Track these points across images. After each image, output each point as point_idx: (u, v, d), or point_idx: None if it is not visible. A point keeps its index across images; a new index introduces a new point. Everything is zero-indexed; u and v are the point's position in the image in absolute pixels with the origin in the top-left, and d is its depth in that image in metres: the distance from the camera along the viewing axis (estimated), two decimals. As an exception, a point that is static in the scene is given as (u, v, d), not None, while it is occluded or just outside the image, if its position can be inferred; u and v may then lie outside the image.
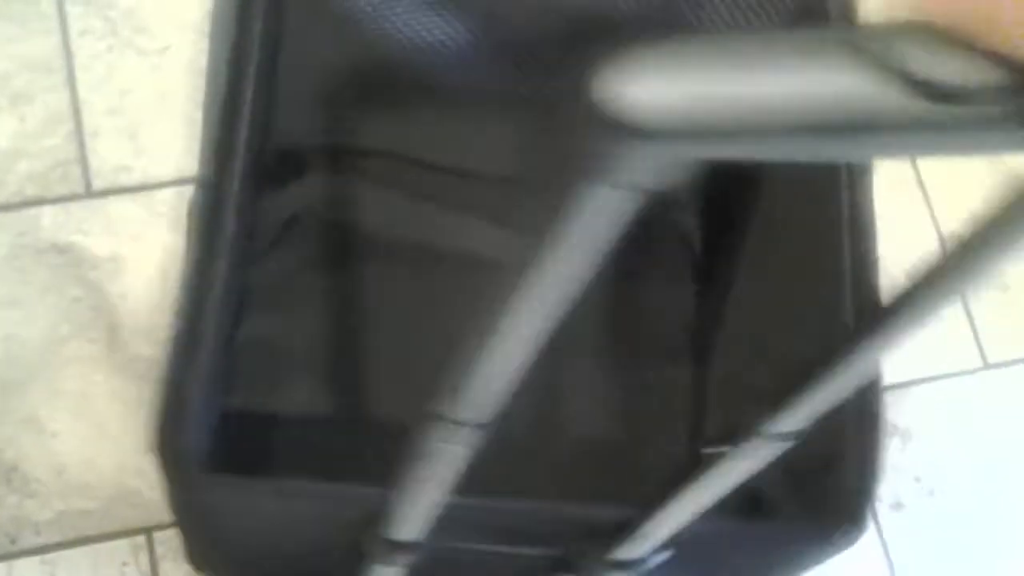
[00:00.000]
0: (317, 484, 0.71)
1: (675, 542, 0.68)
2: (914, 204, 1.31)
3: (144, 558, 1.06)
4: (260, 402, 0.97)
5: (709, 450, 0.58)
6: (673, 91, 0.28)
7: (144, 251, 1.17)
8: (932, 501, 1.20)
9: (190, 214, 0.75)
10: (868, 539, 1.17)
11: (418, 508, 0.61)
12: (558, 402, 1.01)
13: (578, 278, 0.36)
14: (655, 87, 0.28)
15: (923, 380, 1.24)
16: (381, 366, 1.03)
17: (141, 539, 1.07)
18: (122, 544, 1.06)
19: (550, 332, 0.40)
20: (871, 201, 0.81)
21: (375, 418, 1.01)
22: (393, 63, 0.95)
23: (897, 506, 1.19)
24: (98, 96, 1.24)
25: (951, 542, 1.19)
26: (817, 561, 0.78)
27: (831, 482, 0.75)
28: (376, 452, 0.94)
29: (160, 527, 1.07)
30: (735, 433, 0.56)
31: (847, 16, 0.84)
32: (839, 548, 0.75)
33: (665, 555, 0.71)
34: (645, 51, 0.28)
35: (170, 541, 1.07)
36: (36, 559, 1.06)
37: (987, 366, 1.27)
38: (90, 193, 1.19)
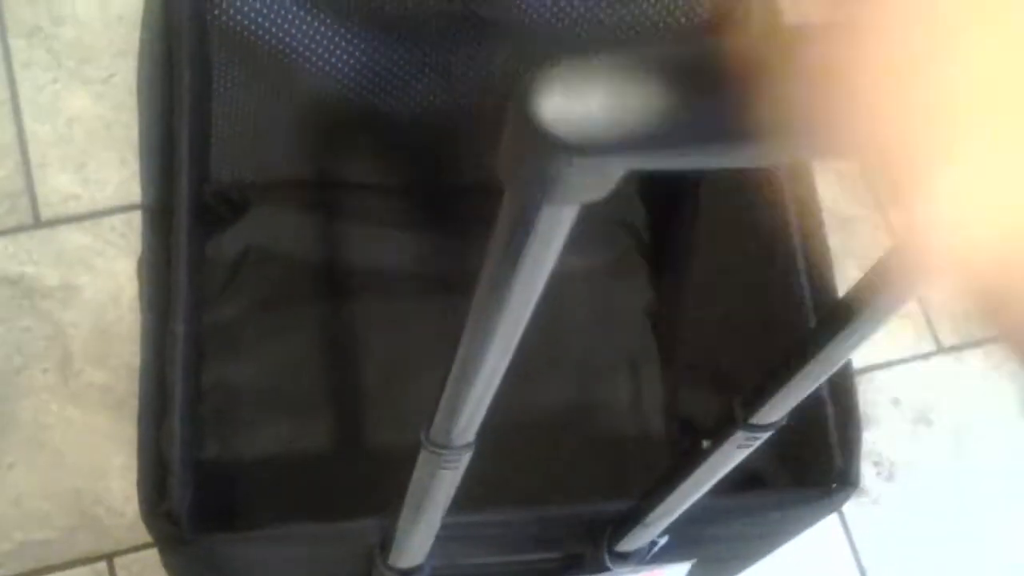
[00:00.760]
0: (312, 526, 0.71)
1: (675, 525, 0.69)
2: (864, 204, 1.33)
3: (106, 585, 1.07)
4: (232, 448, 0.97)
5: (706, 443, 0.59)
6: (599, 105, 0.28)
7: (94, 279, 1.17)
8: (891, 486, 1.21)
9: (140, 270, 0.75)
10: (830, 523, 1.18)
11: (417, 534, 0.61)
12: (532, 408, 1.01)
13: (531, 290, 0.36)
14: (581, 102, 0.28)
15: (878, 366, 1.25)
16: (349, 396, 1.03)
17: (102, 566, 1.07)
18: (83, 572, 1.06)
19: (514, 348, 0.41)
20: (814, 189, 0.82)
21: (351, 448, 1.01)
22: (323, 93, 0.96)
23: (857, 491, 1.20)
24: (44, 127, 1.24)
25: (912, 526, 1.20)
26: (811, 524, 0.80)
27: (815, 444, 0.77)
28: (359, 482, 0.95)
29: (120, 552, 1.07)
30: (720, 426, 0.57)
31: (770, 20, 0.85)
32: (833, 507, 0.78)
33: (664, 540, 0.73)
34: (570, 65, 0.28)
35: (131, 567, 1.07)
36: (-2, 591, 1.06)
37: (941, 350, 1.28)
38: (39, 223, 1.19)
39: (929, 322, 1.28)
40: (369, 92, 0.97)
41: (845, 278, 0.79)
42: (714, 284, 0.99)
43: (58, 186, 1.21)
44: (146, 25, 0.80)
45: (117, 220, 1.20)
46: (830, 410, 0.77)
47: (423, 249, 1.08)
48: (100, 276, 1.17)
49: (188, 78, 0.78)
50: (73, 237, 1.19)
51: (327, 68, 0.93)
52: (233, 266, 1.04)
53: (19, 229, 1.18)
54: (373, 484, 0.96)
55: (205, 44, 0.85)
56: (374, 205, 1.08)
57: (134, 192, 1.21)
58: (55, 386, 1.12)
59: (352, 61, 0.93)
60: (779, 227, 0.82)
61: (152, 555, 1.08)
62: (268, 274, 1.05)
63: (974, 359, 1.28)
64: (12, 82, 1.25)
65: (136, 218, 1.21)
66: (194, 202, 0.77)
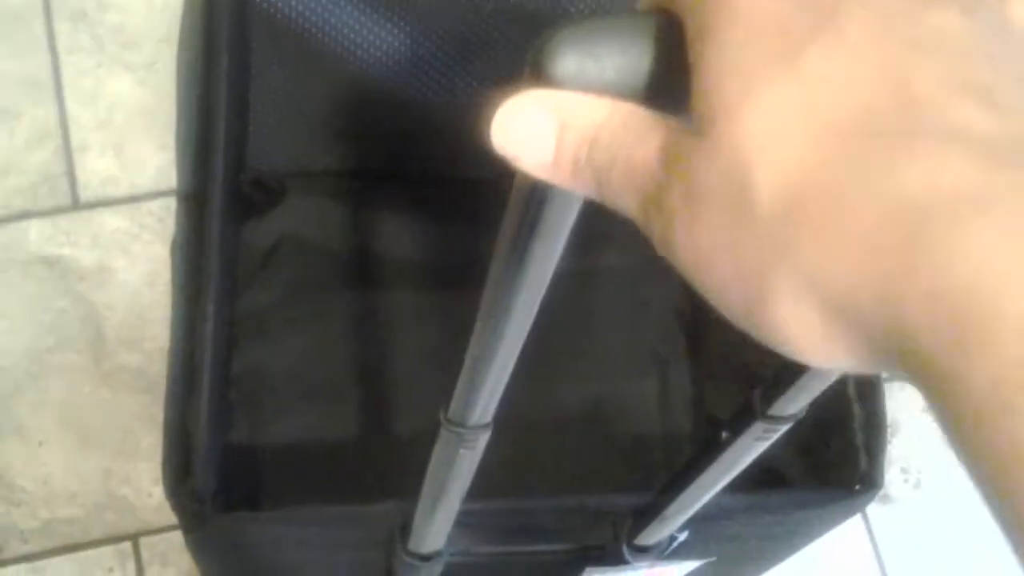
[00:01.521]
0: (333, 508, 0.72)
1: (696, 520, 0.68)
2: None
3: (130, 564, 1.07)
4: (261, 432, 0.98)
5: (725, 435, 0.59)
6: (613, 66, 0.28)
7: (130, 262, 1.18)
8: (919, 493, 1.20)
9: (173, 253, 0.76)
10: (856, 530, 1.17)
11: (436, 517, 0.61)
12: (558, 402, 1.02)
13: (547, 260, 0.36)
14: (595, 63, 0.28)
15: (909, 373, 1.24)
16: (377, 385, 1.03)
17: (127, 545, 1.08)
18: (108, 551, 1.08)
19: (530, 324, 0.41)
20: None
21: (379, 436, 1.02)
22: (361, 83, 0.96)
23: (884, 498, 1.19)
24: (86, 111, 1.26)
25: (937, 534, 1.19)
26: (833, 525, 0.79)
27: (839, 445, 0.77)
28: (385, 468, 0.95)
29: (145, 532, 1.08)
30: (738, 418, 0.57)
31: None
32: (856, 509, 0.77)
33: (684, 535, 0.72)
34: (582, 28, 0.28)
35: (155, 547, 1.08)
36: (24, 566, 1.07)
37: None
38: (77, 206, 1.20)
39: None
40: (407, 83, 0.97)
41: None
42: None
43: (97, 169, 1.23)
44: (187, 10, 0.80)
45: (155, 205, 1.21)
46: (856, 410, 0.77)
47: (455, 241, 1.08)
48: (136, 260, 1.18)
49: (226, 63, 0.79)
50: (110, 220, 1.20)
51: (365, 58, 0.94)
52: (267, 253, 1.05)
53: (58, 211, 1.20)
54: (398, 471, 0.96)
55: (245, 31, 0.86)
56: (408, 196, 1.09)
57: (172, 177, 1.22)
58: (88, 367, 1.14)
59: (391, 51, 0.94)
60: None
61: (176, 537, 1.09)
62: (301, 262, 1.05)
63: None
64: (56, 66, 1.27)
65: (173, 203, 1.22)
66: (229, 187, 0.78)
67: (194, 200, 0.77)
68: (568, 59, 0.28)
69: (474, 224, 1.07)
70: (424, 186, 1.09)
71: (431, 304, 1.05)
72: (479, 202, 1.08)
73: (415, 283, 1.06)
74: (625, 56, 0.28)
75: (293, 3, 0.88)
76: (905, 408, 1.22)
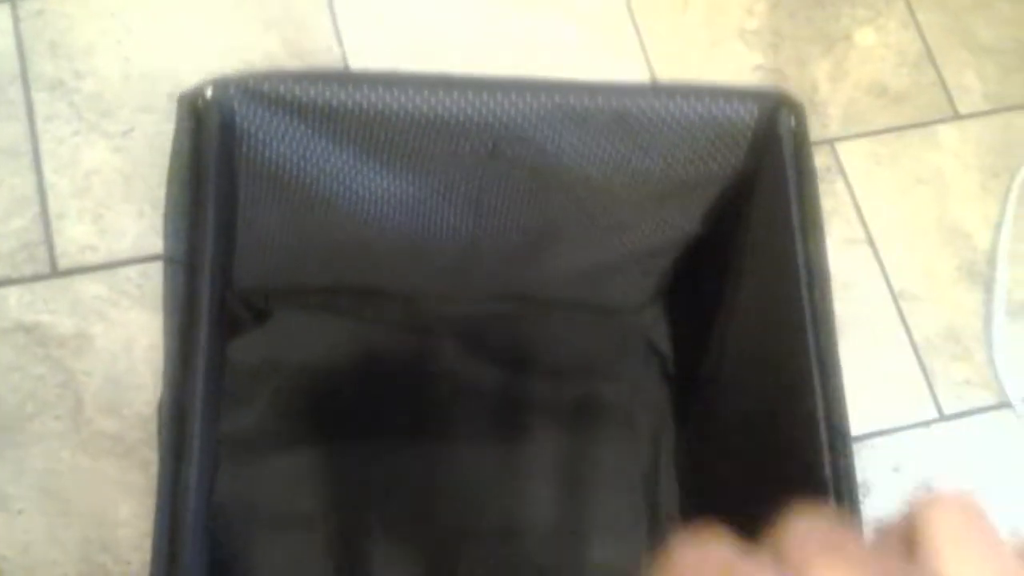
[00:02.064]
0: None
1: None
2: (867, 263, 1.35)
3: (109, 632, 1.07)
4: (243, 558, 0.99)
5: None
6: None
7: (108, 328, 1.19)
8: (892, 552, 1.21)
9: (159, 414, 0.76)
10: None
11: None
12: (549, 547, 1.03)
13: None
14: None
15: (880, 433, 1.26)
16: (361, 514, 1.04)
17: (106, 614, 1.08)
18: (87, 619, 1.07)
19: None
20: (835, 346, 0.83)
21: (360, 570, 1.03)
22: (347, 218, 0.97)
23: (858, 558, 1.21)
24: (64, 179, 1.26)
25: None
26: None
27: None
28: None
29: (125, 601, 1.08)
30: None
31: (800, 151, 0.85)
32: None
33: None
34: None
35: (136, 615, 1.08)
36: (2, 637, 1.06)
37: (943, 417, 1.29)
38: (56, 273, 1.21)
39: (931, 389, 1.29)
40: (391, 218, 0.98)
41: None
42: (739, 434, 1.00)
43: (75, 237, 1.23)
44: (175, 154, 0.81)
45: (132, 271, 1.22)
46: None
47: (442, 359, 1.10)
48: (114, 326, 1.19)
49: (213, 201, 0.80)
50: (89, 287, 1.21)
51: (351, 196, 0.95)
52: (252, 373, 1.06)
53: (36, 278, 1.20)
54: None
55: (233, 175, 0.87)
56: (396, 313, 1.11)
57: (150, 244, 1.24)
58: (66, 433, 1.14)
59: (378, 190, 0.95)
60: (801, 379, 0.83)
61: (156, 604, 1.09)
62: (285, 381, 1.07)
63: (976, 427, 1.29)
64: (33, 135, 1.28)
65: (151, 269, 1.23)
66: (215, 314, 0.79)
67: (183, 327, 0.77)
68: None
69: (459, 347, 1.10)
70: (412, 304, 1.11)
71: (417, 430, 1.07)
72: (462, 327, 1.10)
73: (411, 402, 1.08)
74: None
75: (281, 149, 0.89)
76: (876, 468, 1.24)
